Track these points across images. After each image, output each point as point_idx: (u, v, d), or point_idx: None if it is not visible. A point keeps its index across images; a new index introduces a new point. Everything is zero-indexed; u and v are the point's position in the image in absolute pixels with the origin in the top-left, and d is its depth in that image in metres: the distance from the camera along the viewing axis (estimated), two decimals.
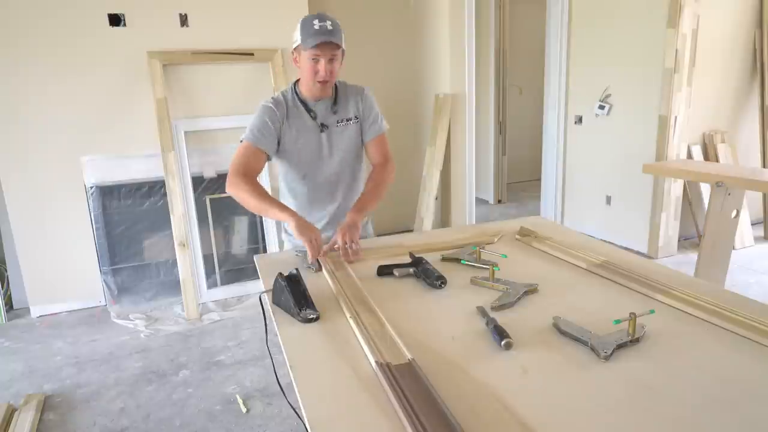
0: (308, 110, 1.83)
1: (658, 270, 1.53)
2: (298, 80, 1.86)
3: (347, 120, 1.88)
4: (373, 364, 1.06)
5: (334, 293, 1.43)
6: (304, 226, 1.62)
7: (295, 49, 1.76)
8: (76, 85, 3.31)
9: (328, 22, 1.69)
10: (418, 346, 1.13)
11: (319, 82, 1.74)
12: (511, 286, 1.41)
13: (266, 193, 1.76)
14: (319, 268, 1.60)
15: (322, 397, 0.99)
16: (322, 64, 1.71)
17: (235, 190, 1.73)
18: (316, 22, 1.68)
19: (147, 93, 3.39)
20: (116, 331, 3.24)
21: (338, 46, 1.71)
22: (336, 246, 1.68)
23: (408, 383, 0.97)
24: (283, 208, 1.70)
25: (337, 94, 1.87)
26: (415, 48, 4.62)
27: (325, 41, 1.67)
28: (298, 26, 1.73)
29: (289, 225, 1.66)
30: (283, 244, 2.05)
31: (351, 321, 1.25)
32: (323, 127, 1.85)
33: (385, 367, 1.03)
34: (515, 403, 0.94)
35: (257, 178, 1.80)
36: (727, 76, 4.26)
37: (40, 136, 3.30)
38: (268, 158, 1.83)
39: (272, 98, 1.83)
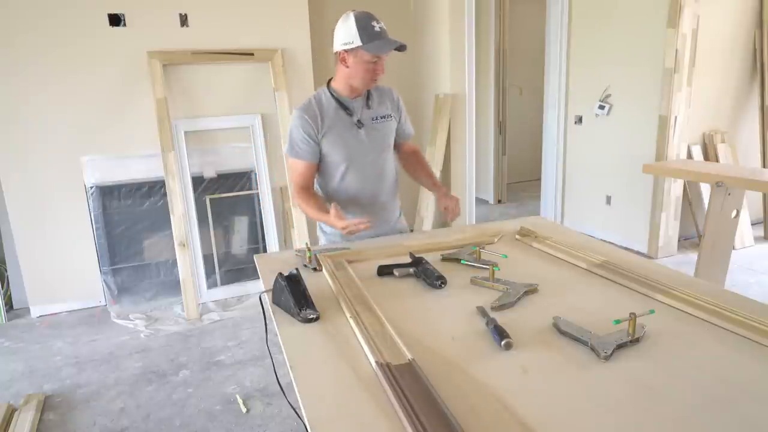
0: (345, 108, 1.87)
1: (658, 270, 1.53)
2: (330, 80, 1.89)
3: (381, 117, 1.93)
4: (373, 364, 1.06)
5: (334, 293, 1.43)
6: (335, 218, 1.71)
7: (348, 50, 1.74)
8: (76, 85, 3.31)
9: (382, 23, 1.74)
10: (418, 346, 1.13)
11: (374, 79, 1.81)
12: (511, 286, 1.41)
13: (309, 199, 1.86)
14: (319, 268, 1.61)
15: (322, 397, 0.99)
16: (380, 64, 1.77)
17: (297, 204, 1.94)
18: (374, 24, 1.71)
19: (147, 93, 3.39)
20: (116, 331, 3.24)
21: None
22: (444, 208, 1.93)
23: (408, 383, 0.97)
24: (319, 209, 1.81)
25: (369, 91, 1.91)
26: (415, 48, 4.61)
27: (394, 47, 1.73)
28: (353, 27, 1.70)
29: (330, 224, 1.76)
30: (318, 240, 2.11)
31: (351, 321, 1.25)
32: (359, 123, 1.88)
33: (385, 367, 1.03)
34: (515, 403, 0.94)
35: (313, 186, 1.94)
36: (727, 76, 4.26)
37: (40, 136, 3.30)
38: (314, 163, 1.90)
39: (303, 106, 1.85)
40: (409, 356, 1.07)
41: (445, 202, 1.96)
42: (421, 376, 1.00)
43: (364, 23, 1.70)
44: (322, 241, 2.05)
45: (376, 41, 1.70)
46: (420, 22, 4.55)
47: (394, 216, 2.08)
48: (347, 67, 1.78)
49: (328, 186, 1.96)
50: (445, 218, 2.00)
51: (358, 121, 1.88)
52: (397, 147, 2.07)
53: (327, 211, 1.77)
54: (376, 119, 1.91)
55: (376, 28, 1.70)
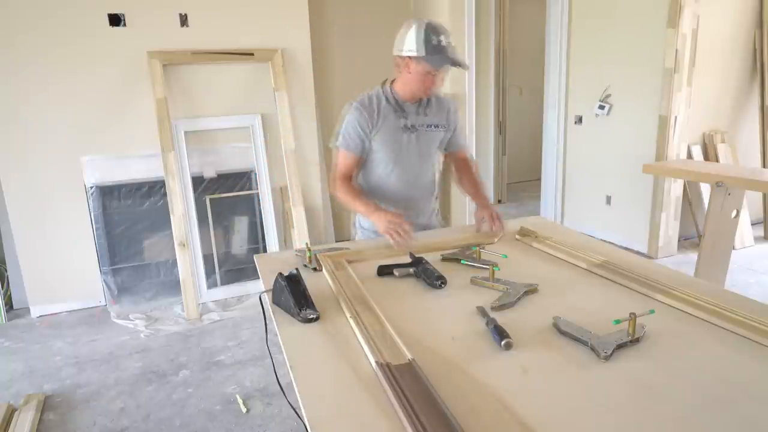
0: (400, 110, 1.91)
1: (658, 270, 1.53)
2: (391, 80, 1.94)
3: (434, 126, 1.97)
4: (373, 364, 1.06)
5: (335, 293, 1.43)
6: (389, 222, 1.74)
7: (408, 57, 1.78)
8: (76, 85, 3.31)
9: (450, 37, 1.76)
10: (418, 346, 1.13)
11: (428, 91, 1.86)
12: (511, 286, 1.41)
13: (357, 193, 1.92)
14: (319, 268, 1.61)
15: (322, 397, 0.99)
16: (438, 77, 1.82)
17: (337, 193, 1.95)
18: (440, 38, 1.73)
19: (147, 93, 3.39)
20: (116, 331, 3.24)
21: None
22: (483, 221, 1.92)
23: (408, 383, 0.97)
24: (367, 205, 1.85)
25: (428, 98, 1.95)
26: None
27: (453, 65, 1.76)
28: (415, 37, 1.74)
29: (375, 223, 1.80)
30: (356, 236, 2.15)
31: (351, 321, 1.25)
32: (411, 128, 1.93)
33: (385, 367, 1.03)
34: (515, 403, 0.94)
35: (353, 179, 1.98)
36: (727, 76, 4.26)
37: (40, 136, 3.30)
38: (362, 157, 1.96)
39: (360, 100, 1.91)
40: (409, 356, 1.07)
41: (481, 213, 1.95)
42: (421, 376, 1.00)
43: (430, 35, 1.74)
44: (358, 236, 2.09)
45: (438, 55, 1.74)
46: None
47: (427, 217, 2.14)
48: (408, 73, 1.83)
49: (369, 180, 2.01)
50: (478, 228, 1.96)
51: (411, 125, 1.92)
52: (450, 156, 2.14)
53: (372, 206, 1.83)
54: (428, 126, 1.96)
55: (443, 42, 1.74)
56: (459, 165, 2.15)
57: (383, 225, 1.75)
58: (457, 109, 2.07)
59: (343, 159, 1.95)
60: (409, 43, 1.77)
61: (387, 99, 1.91)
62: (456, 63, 1.76)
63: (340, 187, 1.93)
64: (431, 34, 1.74)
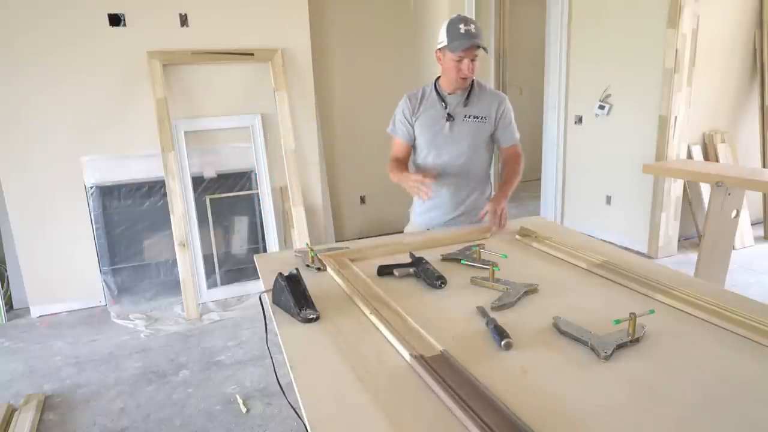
0: (441, 100, 2.06)
1: (658, 270, 1.53)
2: (439, 77, 2.10)
3: (475, 117, 2.06)
4: (407, 357, 1.07)
5: (347, 292, 1.43)
6: (411, 179, 1.92)
7: (439, 49, 1.97)
8: (76, 85, 3.31)
9: (472, 26, 1.90)
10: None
11: (462, 78, 1.97)
12: (511, 286, 1.41)
13: (396, 167, 2.05)
14: (323, 268, 1.61)
15: (322, 397, 0.99)
16: (465, 63, 1.93)
17: (388, 171, 2.09)
18: (461, 26, 1.88)
19: (147, 93, 3.39)
20: (116, 331, 3.24)
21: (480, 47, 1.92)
22: (485, 215, 1.97)
23: (447, 373, 1.00)
24: (399, 173, 2.00)
25: (471, 91, 2.07)
26: (414, 48, 4.62)
27: (470, 46, 1.88)
28: (444, 29, 1.92)
29: (402, 183, 1.97)
30: (408, 218, 2.32)
31: (372, 317, 1.26)
32: (450, 117, 2.05)
33: (421, 359, 1.05)
34: (515, 403, 0.94)
35: (406, 160, 2.15)
36: (727, 76, 4.26)
37: (40, 136, 3.30)
38: (409, 143, 2.14)
39: (411, 93, 2.13)
40: (441, 348, 1.09)
41: (487, 206, 1.97)
42: (457, 365, 1.02)
43: (454, 25, 1.90)
44: (408, 224, 2.28)
45: (459, 41, 1.88)
46: (420, 22, 4.55)
47: (471, 206, 2.17)
48: (442, 64, 1.99)
49: (416, 163, 2.18)
50: (481, 217, 2.01)
51: (449, 114, 2.04)
52: (500, 150, 2.21)
53: (402, 172, 1.99)
54: (469, 117, 2.05)
55: (462, 30, 1.87)
56: (506, 159, 2.20)
57: (407, 183, 1.93)
58: (509, 107, 2.13)
59: (393, 142, 2.16)
60: (439, 35, 1.95)
61: (433, 91, 2.08)
62: (475, 45, 1.86)
63: (390, 166, 2.08)
64: (455, 24, 1.89)
